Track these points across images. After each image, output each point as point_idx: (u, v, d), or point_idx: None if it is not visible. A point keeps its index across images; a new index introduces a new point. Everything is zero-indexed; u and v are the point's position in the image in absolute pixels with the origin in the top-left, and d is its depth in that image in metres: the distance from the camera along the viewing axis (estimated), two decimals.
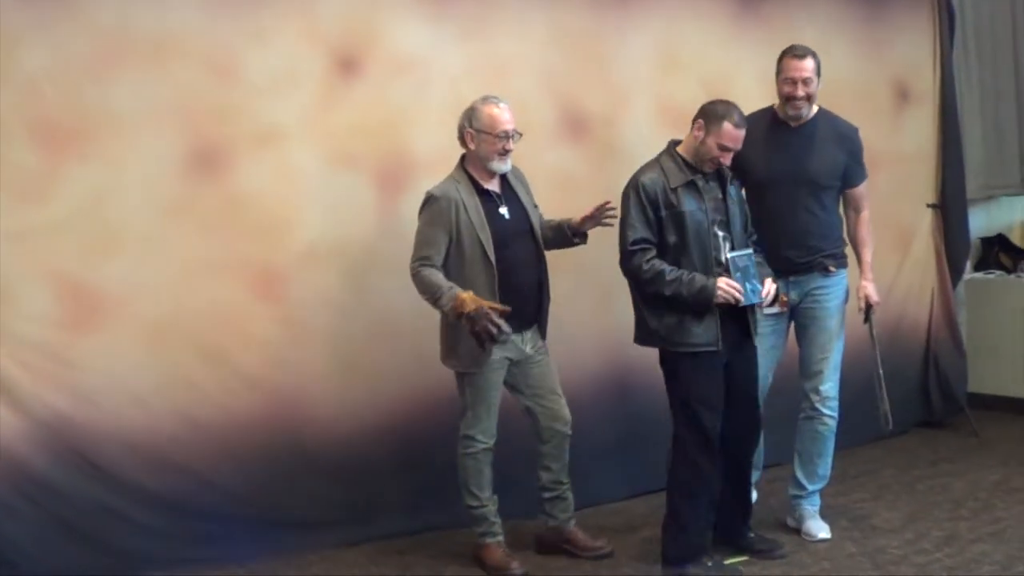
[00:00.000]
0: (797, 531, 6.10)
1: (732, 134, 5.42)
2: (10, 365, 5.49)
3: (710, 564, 5.63)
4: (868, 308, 6.08)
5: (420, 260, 5.48)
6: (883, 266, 7.71)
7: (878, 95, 7.88)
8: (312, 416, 6.11)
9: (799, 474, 6.15)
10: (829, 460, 6.14)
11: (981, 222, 9.02)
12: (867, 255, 6.16)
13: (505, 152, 5.54)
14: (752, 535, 5.89)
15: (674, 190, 5.46)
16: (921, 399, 8.23)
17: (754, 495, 6.28)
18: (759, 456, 6.28)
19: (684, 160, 5.54)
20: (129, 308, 5.71)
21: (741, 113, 5.47)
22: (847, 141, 6.04)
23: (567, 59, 6.62)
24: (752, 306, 5.55)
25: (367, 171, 6.17)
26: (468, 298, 5.33)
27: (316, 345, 6.10)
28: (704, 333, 5.46)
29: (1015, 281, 8.72)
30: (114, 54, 5.62)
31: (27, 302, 5.52)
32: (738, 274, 5.43)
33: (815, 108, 5.97)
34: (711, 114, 5.46)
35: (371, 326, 6.21)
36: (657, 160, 5.60)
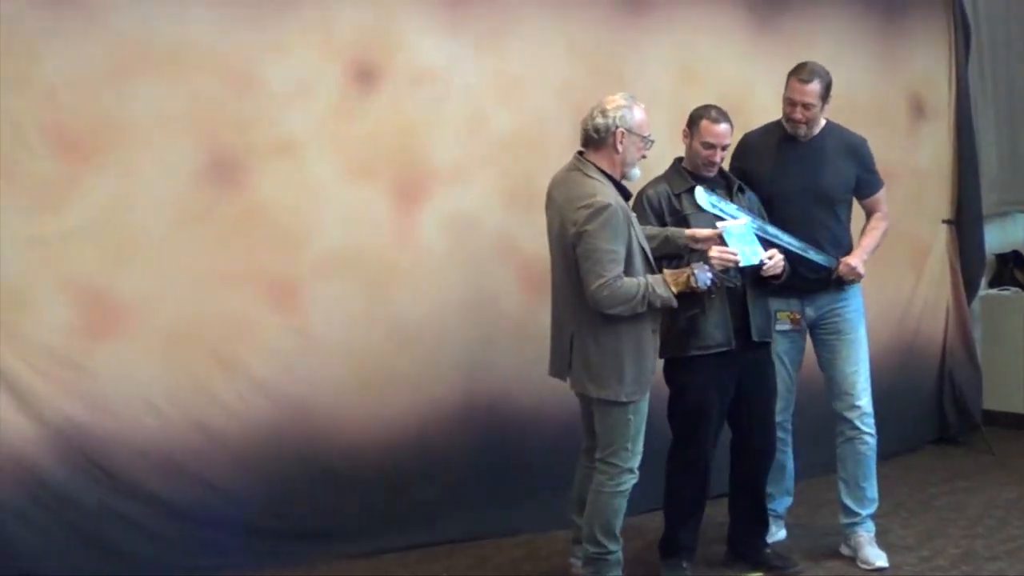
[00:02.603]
0: (852, 560, 5.97)
1: (710, 130, 5.55)
2: (26, 372, 5.51)
3: (685, 566, 5.68)
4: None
5: (614, 278, 4.93)
6: (899, 282, 7.76)
7: (894, 110, 7.88)
8: (325, 426, 6.10)
9: (848, 501, 6.03)
10: (875, 481, 6.04)
11: (996, 238, 8.98)
12: (866, 240, 6.05)
13: (643, 158, 5.31)
14: (768, 551, 5.88)
15: (677, 196, 5.59)
16: (936, 416, 8.20)
17: (783, 532, 6.31)
18: (788, 481, 6.28)
19: (688, 171, 5.67)
20: (145, 316, 5.71)
21: (719, 109, 5.61)
22: (856, 153, 6.02)
23: (584, 73, 6.61)
24: (773, 313, 5.66)
25: (383, 183, 6.17)
26: (676, 273, 5.16)
27: (331, 355, 6.09)
28: (717, 333, 5.49)
29: None
30: (133, 63, 5.64)
31: (44, 309, 5.54)
32: (732, 239, 5.39)
33: (822, 122, 5.94)
34: (692, 118, 5.64)
35: (386, 337, 6.20)
36: (663, 174, 5.73)
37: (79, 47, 5.54)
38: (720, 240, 5.36)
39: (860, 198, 6.10)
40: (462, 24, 6.33)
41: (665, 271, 5.18)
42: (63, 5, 5.49)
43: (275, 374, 5.99)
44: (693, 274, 5.13)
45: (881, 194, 6.12)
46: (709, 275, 5.17)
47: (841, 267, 5.86)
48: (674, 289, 5.09)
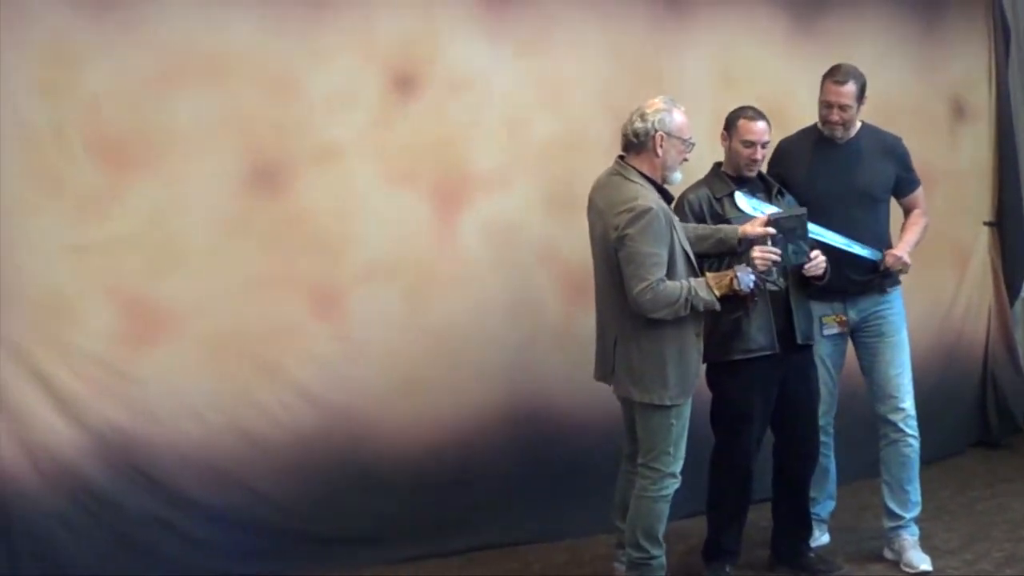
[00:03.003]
0: (896, 563, 5.97)
1: (748, 128, 5.59)
2: (70, 378, 5.56)
3: (728, 570, 5.71)
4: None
5: (657, 281, 4.92)
6: (941, 284, 7.72)
7: (934, 112, 7.82)
8: (368, 432, 6.11)
9: (892, 504, 6.03)
10: (918, 484, 6.04)
11: None
12: (908, 234, 6.03)
13: (684, 161, 5.33)
14: (811, 555, 5.87)
15: (719, 199, 5.60)
16: (978, 419, 8.14)
17: (826, 536, 6.26)
18: (831, 484, 6.25)
19: (728, 175, 5.68)
20: (189, 323, 5.74)
21: (755, 108, 5.65)
22: (893, 152, 6.02)
23: (624, 76, 6.59)
24: (818, 318, 5.76)
25: (425, 189, 6.18)
26: (719, 276, 5.16)
27: (373, 362, 6.11)
28: (760, 336, 5.50)
29: None
30: (176, 72, 5.67)
31: (88, 316, 5.58)
32: (780, 235, 5.35)
33: (858, 123, 5.95)
34: (728, 120, 5.68)
35: (428, 343, 6.21)
36: (704, 178, 5.74)
37: (122, 56, 5.58)
38: (770, 237, 5.34)
39: (899, 197, 6.11)
40: (501, 29, 6.33)
41: (708, 274, 5.18)
42: (106, 15, 5.53)
43: (317, 380, 6.01)
44: (736, 276, 5.11)
45: (919, 192, 6.13)
46: (752, 277, 5.15)
47: (888, 258, 5.84)
48: (717, 292, 5.08)
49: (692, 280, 5.07)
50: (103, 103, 5.55)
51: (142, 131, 5.63)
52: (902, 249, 5.90)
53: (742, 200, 5.55)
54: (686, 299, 4.99)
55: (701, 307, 5.05)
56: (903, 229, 6.09)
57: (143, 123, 5.63)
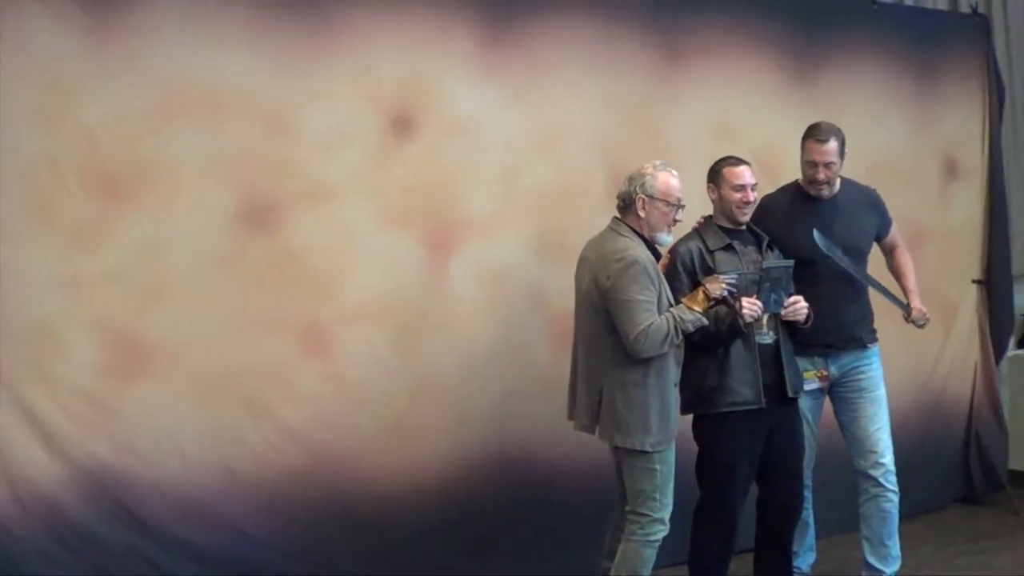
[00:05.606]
0: None
1: (733, 172, 5.68)
2: (54, 411, 5.50)
3: None
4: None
5: (647, 325, 5.12)
6: (927, 341, 7.67)
7: (927, 169, 7.85)
8: (354, 473, 6.08)
9: (872, 559, 6.09)
10: (898, 538, 6.10)
11: None
12: (910, 282, 6.21)
13: (674, 223, 5.43)
14: None
15: (711, 252, 5.61)
16: (961, 475, 8.12)
17: None
18: (811, 537, 6.25)
19: (720, 227, 5.71)
20: (176, 359, 5.70)
21: (735, 156, 5.76)
22: (876, 203, 6.18)
23: (619, 125, 6.62)
24: (798, 370, 5.76)
25: (418, 231, 6.17)
26: (691, 295, 5.38)
27: (361, 402, 6.07)
28: (746, 390, 5.51)
29: None
30: (171, 106, 5.65)
31: (74, 349, 5.53)
32: (767, 284, 5.46)
33: (838, 181, 6.03)
34: (712, 172, 5.77)
35: (416, 385, 6.19)
36: (696, 230, 5.77)
37: (118, 89, 5.55)
38: (757, 285, 5.47)
39: (879, 240, 6.25)
40: (499, 75, 6.34)
41: (682, 300, 5.36)
42: (105, 47, 5.52)
43: (304, 419, 5.97)
44: (704, 286, 5.34)
45: (895, 229, 6.30)
46: (719, 284, 5.36)
47: (915, 313, 6.05)
48: (697, 309, 5.28)
49: (673, 309, 5.26)
50: (98, 135, 5.53)
51: (136, 165, 5.60)
52: (918, 300, 6.09)
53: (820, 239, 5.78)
54: (675, 327, 5.19)
55: (691, 327, 5.25)
56: (899, 276, 6.24)
57: (137, 157, 5.60)
